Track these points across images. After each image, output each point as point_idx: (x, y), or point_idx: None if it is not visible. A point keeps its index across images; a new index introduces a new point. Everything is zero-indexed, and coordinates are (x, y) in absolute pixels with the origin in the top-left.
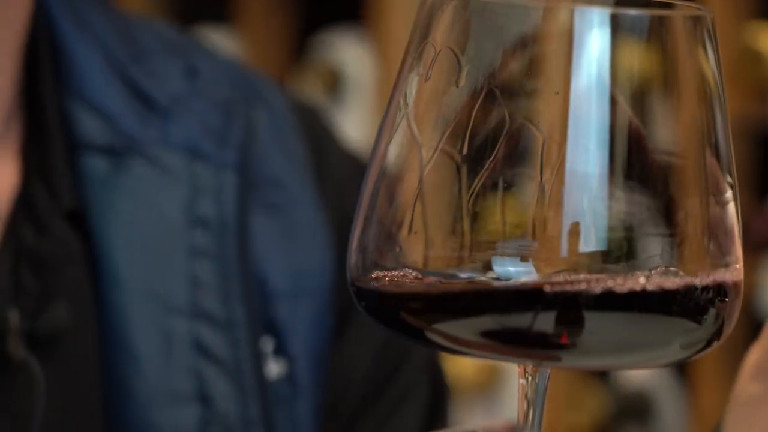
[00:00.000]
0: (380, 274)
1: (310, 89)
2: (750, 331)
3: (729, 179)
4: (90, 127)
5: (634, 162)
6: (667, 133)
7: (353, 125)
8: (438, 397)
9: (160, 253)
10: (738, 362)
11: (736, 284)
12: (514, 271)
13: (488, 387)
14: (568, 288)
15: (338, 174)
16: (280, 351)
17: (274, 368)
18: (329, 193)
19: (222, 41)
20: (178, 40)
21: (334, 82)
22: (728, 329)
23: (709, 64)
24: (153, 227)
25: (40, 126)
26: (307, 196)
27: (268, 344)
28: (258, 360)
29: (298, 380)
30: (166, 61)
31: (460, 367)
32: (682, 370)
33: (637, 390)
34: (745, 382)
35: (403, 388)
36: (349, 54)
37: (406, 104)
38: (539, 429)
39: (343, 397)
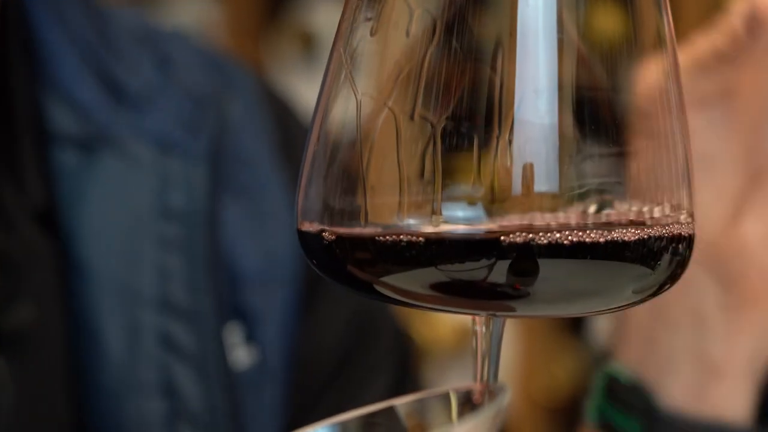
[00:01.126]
0: (327, 227)
1: (285, 51)
2: None
3: (681, 131)
4: (62, 118)
5: (587, 108)
6: (621, 83)
7: None
8: (406, 368)
9: (130, 245)
10: None
11: (689, 230)
12: (462, 218)
13: (464, 349)
14: (519, 236)
15: None
16: (251, 338)
17: (244, 356)
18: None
19: (196, 4)
20: (151, 30)
21: (309, 44)
22: (682, 273)
23: (663, 18)
24: (123, 219)
25: (10, 120)
26: (276, 181)
27: (238, 331)
28: (224, 350)
29: (269, 367)
30: (138, 52)
31: (436, 330)
32: None
33: None
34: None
35: (371, 361)
36: (323, 15)
37: (348, 56)
38: (495, 379)
39: (312, 371)
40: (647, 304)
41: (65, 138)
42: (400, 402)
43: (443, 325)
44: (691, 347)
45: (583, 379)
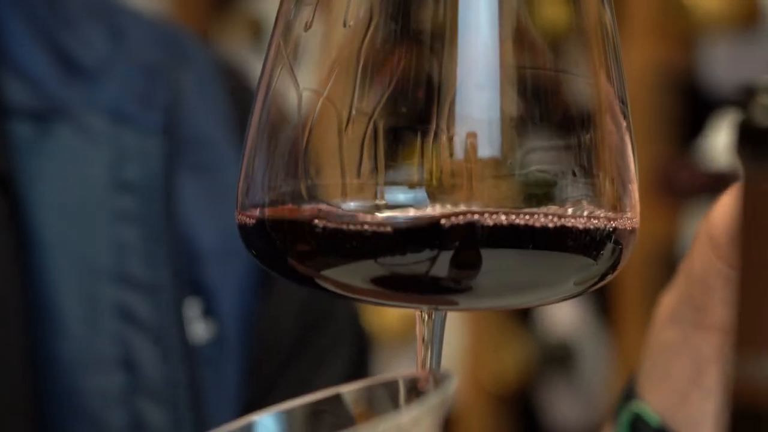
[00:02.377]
0: (266, 219)
1: (234, 39)
2: (672, 278)
3: (624, 122)
4: (16, 91)
5: (531, 95)
6: (565, 71)
7: None
8: (362, 351)
9: (86, 218)
10: None
11: (631, 222)
12: (403, 210)
13: (413, 337)
14: (459, 225)
15: None
16: (208, 312)
17: (202, 330)
18: None
19: None
20: (104, 4)
21: (258, 32)
22: (623, 264)
23: (605, 8)
24: (79, 192)
25: None
26: (232, 155)
27: (195, 306)
28: (183, 323)
29: (227, 342)
30: (91, 25)
31: (385, 317)
32: (605, 316)
33: (561, 336)
34: (660, 328)
35: (326, 344)
36: (272, 3)
37: (286, 44)
38: (438, 366)
39: (268, 354)
40: (688, 364)
41: (19, 111)
42: (347, 389)
43: (392, 312)
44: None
45: (530, 367)
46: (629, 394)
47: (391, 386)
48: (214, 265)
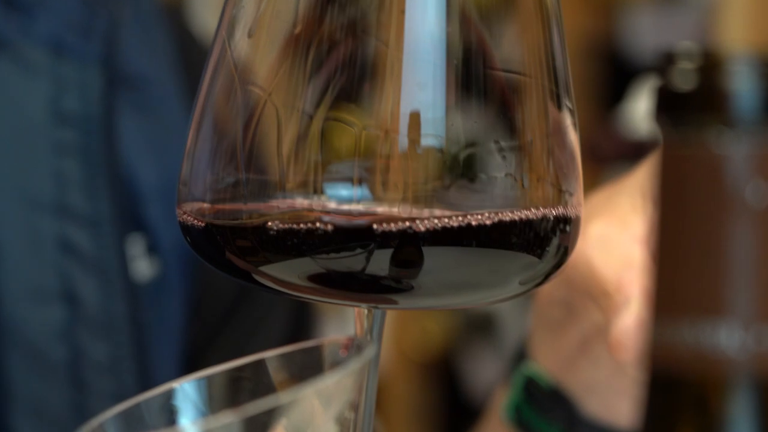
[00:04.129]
0: (205, 215)
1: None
2: None
3: (569, 105)
4: None
5: (474, 92)
6: (507, 55)
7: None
8: (304, 304)
9: (26, 150)
10: None
11: (575, 218)
12: (341, 207)
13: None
14: (399, 224)
15: None
16: (152, 250)
17: (145, 268)
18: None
19: None
20: None
21: None
22: (566, 262)
23: None
24: (18, 125)
25: None
26: (175, 95)
27: (139, 243)
28: (125, 259)
29: (169, 279)
30: None
31: None
32: None
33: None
34: (544, 306)
35: (269, 297)
36: None
37: (229, 37)
38: (376, 363)
39: (212, 300)
40: (575, 336)
41: None
42: (269, 355)
43: None
44: (611, 377)
45: (455, 335)
46: (521, 354)
47: (313, 352)
48: (157, 203)
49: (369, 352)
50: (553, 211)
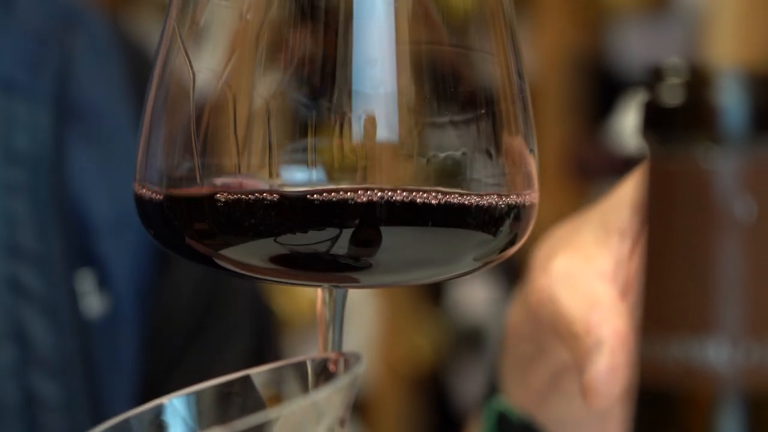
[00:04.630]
0: (163, 194)
1: (144, 21)
2: None
3: (521, 96)
4: None
5: (428, 74)
6: (462, 52)
7: None
8: (266, 328)
9: None
10: None
11: (530, 197)
12: (300, 184)
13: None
14: (357, 199)
15: None
16: (103, 285)
17: (96, 304)
18: None
19: None
20: None
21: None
22: (521, 241)
23: None
24: None
25: None
26: (128, 125)
27: (88, 279)
28: (75, 296)
29: (121, 314)
30: None
31: (296, 302)
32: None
33: (473, 318)
34: (513, 342)
35: (228, 321)
36: None
37: (181, 20)
38: (340, 347)
39: (168, 329)
40: (545, 372)
41: None
42: (257, 371)
43: (302, 297)
44: (583, 412)
45: (442, 349)
46: (492, 388)
47: (300, 368)
48: (108, 236)
49: (358, 368)
50: (507, 191)
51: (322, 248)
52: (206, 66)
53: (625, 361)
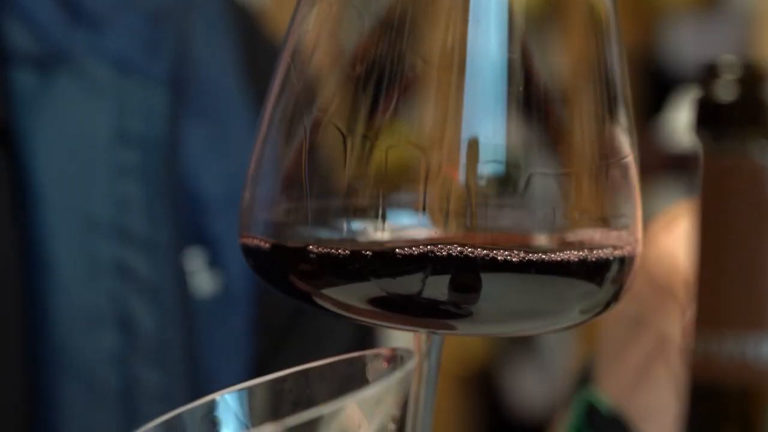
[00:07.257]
0: (269, 239)
1: None
2: None
3: (626, 128)
4: (18, 36)
5: (536, 123)
6: (563, 76)
7: None
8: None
9: (87, 172)
10: None
11: (634, 252)
12: (404, 233)
13: None
14: (460, 251)
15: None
16: (214, 263)
17: (206, 283)
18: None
19: None
20: None
21: None
22: (626, 292)
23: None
24: (80, 146)
25: None
26: (241, 102)
27: (200, 257)
28: (182, 278)
29: (233, 293)
30: None
31: None
32: None
33: None
34: (611, 326)
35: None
36: None
37: (294, 61)
38: (433, 387)
39: (277, 306)
40: (635, 359)
41: (22, 57)
42: (311, 367)
43: None
44: (670, 402)
45: (495, 349)
46: (585, 376)
47: (355, 363)
48: (220, 214)
49: (411, 364)
50: (613, 244)
51: (421, 294)
52: (315, 108)
53: None
